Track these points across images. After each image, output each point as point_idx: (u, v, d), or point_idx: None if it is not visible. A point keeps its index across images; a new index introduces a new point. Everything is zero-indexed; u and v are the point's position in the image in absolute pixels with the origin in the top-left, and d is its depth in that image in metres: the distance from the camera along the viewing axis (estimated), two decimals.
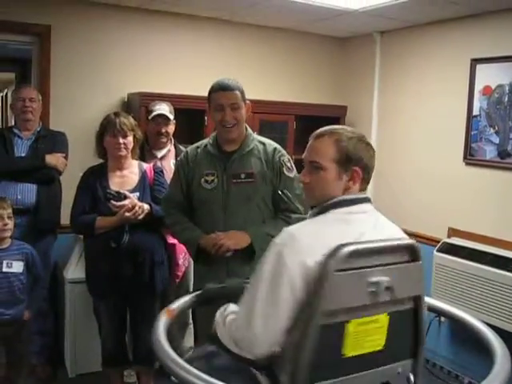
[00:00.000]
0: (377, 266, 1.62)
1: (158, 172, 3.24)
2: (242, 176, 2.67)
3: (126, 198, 2.98)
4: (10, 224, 3.19)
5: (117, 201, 2.96)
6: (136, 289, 3.07)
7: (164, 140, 3.64)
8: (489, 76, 3.87)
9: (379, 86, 4.87)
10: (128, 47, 4.30)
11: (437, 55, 4.31)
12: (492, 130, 3.87)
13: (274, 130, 4.58)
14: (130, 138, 3.10)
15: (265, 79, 4.81)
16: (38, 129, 3.71)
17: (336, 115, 4.75)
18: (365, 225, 1.73)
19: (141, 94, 4.03)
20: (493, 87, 3.84)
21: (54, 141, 3.68)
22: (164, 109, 3.63)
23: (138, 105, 4.00)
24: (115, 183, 3.10)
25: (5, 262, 3.16)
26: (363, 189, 1.83)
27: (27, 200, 3.48)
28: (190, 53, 4.52)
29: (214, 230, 2.63)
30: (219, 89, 2.66)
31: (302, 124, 4.62)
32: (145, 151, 3.62)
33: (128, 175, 3.15)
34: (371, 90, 4.89)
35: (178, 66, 4.45)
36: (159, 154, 3.66)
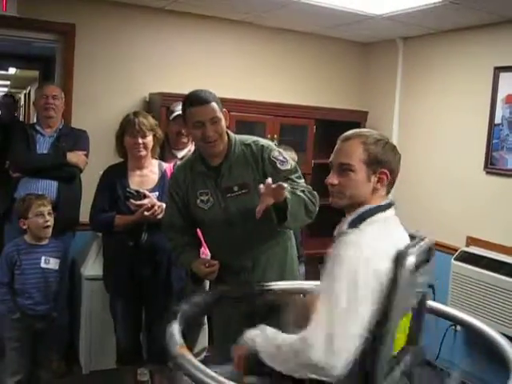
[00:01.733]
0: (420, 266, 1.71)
1: None
2: (235, 189, 2.53)
3: (145, 197, 2.99)
4: (51, 220, 3.25)
5: (136, 200, 2.97)
6: (152, 288, 3.08)
7: (185, 140, 3.65)
8: None
9: (401, 92, 4.84)
10: (150, 47, 4.33)
11: (459, 63, 4.28)
12: None
13: (294, 134, 4.59)
14: (150, 138, 3.10)
15: (285, 82, 4.82)
16: (60, 126, 3.75)
17: (357, 120, 4.74)
18: (398, 228, 1.83)
19: (162, 94, 4.05)
20: None
21: (76, 139, 3.72)
22: None
23: (159, 105, 4.03)
24: (135, 182, 3.11)
25: (43, 258, 3.23)
26: (388, 191, 1.86)
27: (49, 196, 3.51)
28: (212, 54, 4.54)
29: (222, 244, 2.59)
30: (196, 103, 2.47)
31: (322, 128, 4.62)
32: (165, 151, 3.63)
33: (148, 174, 3.16)
34: (393, 95, 4.88)
35: (199, 67, 4.46)
36: (179, 154, 3.67)
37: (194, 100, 2.48)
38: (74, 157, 3.62)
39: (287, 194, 2.29)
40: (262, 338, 1.73)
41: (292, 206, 2.32)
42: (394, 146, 1.86)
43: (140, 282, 3.04)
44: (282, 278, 2.58)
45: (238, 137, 2.63)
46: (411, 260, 1.60)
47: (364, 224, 1.75)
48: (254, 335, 1.75)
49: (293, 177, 2.54)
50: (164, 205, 2.98)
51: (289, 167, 2.55)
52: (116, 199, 3.06)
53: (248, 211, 2.46)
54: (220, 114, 2.49)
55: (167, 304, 3.11)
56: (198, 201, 2.58)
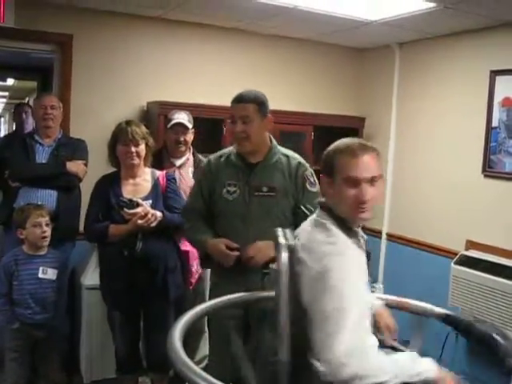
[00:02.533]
0: None
1: (171, 179, 3.25)
2: (264, 189, 2.66)
3: (138, 205, 2.98)
4: (48, 231, 3.27)
5: (129, 208, 2.97)
6: (149, 296, 3.08)
7: (182, 149, 3.67)
8: (508, 87, 3.85)
9: (398, 97, 4.86)
10: (147, 56, 4.36)
11: (456, 67, 4.30)
12: (511, 142, 3.84)
13: (292, 140, 4.58)
14: (142, 146, 3.10)
15: (283, 89, 4.83)
16: (59, 136, 3.76)
17: (354, 126, 4.75)
18: None
19: (160, 102, 4.06)
20: None
21: (75, 148, 3.73)
22: (183, 118, 3.66)
23: (156, 113, 4.04)
24: (128, 191, 3.11)
25: (41, 269, 3.25)
26: None
27: (47, 206, 3.51)
28: (208, 62, 4.56)
29: (234, 240, 2.63)
30: (234, 100, 2.66)
31: (320, 134, 4.62)
32: (164, 159, 3.64)
33: (141, 183, 3.16)
34: (390, 101, 4.89)
35: (196, 76, 4.49)
36: (178, 163, 3.68)
37: (236, 97, 2.67)
38: (74, 166, 3.62)
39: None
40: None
41: None
42: None
43: (137, 291, 3.04)
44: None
45: (280, 147, 2.80)
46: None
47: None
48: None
49: (312, 206, 2.56)
50: (158, 213, 3.02)
51: (315, 190, 2.68)
52: (109, 209, 3.06)
53: (267, 213, 2.63)
54: (254, 115, 2.62)
55: (165, 311, 3.12)
56: (224, 190, 2.69)
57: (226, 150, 2.84)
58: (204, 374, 1.58)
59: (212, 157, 2.84)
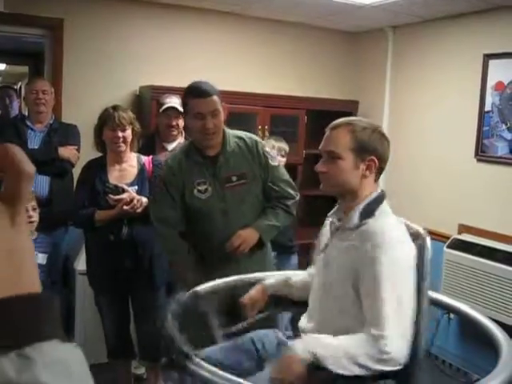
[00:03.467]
0: None
1: (157, 164, 3.21)
2: (234, 179, 2.63)
3: (124, 191, 2.98)
4: (35, 216, 3.23)
5: (115, 194, 2.97)
6: (136, 281, 3.09)
7: (175, 133, 3.65)
8: (501, 71, 3.84)
9: (391, 81, 4.85)
10: (139, 40, 4.32)
11: (449, 50, 4.29)
12: (504, 126, 3.85)
13: (285, 125, 4.59)
14: (129, 132, 3.09)
15: (276, 74, 4.81)
16: (51, 121, 3.74)
17: (347, 110, 4.74)
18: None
19: (152, 87, 4.04)
20: (505, 83, 3.82)
21: (67, 133, 3.71)
22: (175, 102, 3.64)
23: (149, 98, 4.02)
24: (114, 177, 3.10)
25: None
26: (377, 178, 1.92)
27: (40, 192, 3.51)
28: (201, 46, 4.53)
29: (214, 235, 2.63)
30: (198, 95, 2.55)
31: (313, 118, 4.62)
32: (156, 144, 3.63)
33: (127, 168, 3.15)
34: (383, 84, 4.88)
35: (189, 60, 4.45)
36: (170, 147, 3.66)
37: (198, 92, 2.56)
38: (66, 151, 3.61)
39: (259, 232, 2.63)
40: (321, 346, 1.70)
41: (266, 237, 2.68)
42: (383, 134, 1.91)
43: (123, 277, 3.04)
44: (264, 268, 2.65)
45: (229, 130, 2.73)
46: (429, 240, 1.82)
47: (377, 214, 1.85)
48: (307, 347, 1.69)
49: (278, 180, 2.71)
50: (144, 199, 3.00)
51: (276, 163, 2.72)
52: (96, 194, 3.05)
53: (244, 201, 2.64)
54: (220, 108, 2.57)
55: (152, 297, 3.12)
56: (196, 190, 2.63)
57: (178, 150, 2.78)
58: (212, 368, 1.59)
59: (169, 160, 2.75)
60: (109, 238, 2.99)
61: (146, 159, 3.22)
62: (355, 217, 1.85)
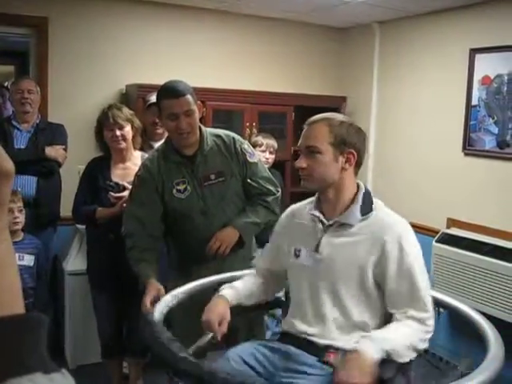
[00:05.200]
0: None
1: None
2: (212, 177, 2.61)
3: (124, 189, 2.99)
4: (21, 217, 3.21)
5: (116, 192, 2.98)
6: (133, 280, 3.07)
7: (160, 131, 3.59)
8: (488, 66, 3.86)
9: (378, 77, 4.85)
10: (125, 39, 4.29)
11: (436, 45, 4.30)
12: (491, 120, 3.87)
13: (273, 121, 4.59)
14: (128, 129, 3.08)
15: (263, 70, 4.80)
16: (37, 121, 3.71)
17: (335, 106, 4.74)
18: None
19: (138, 85, 4.02)
20: (492, 77, 3.84)
21: (54, 133, 3.69)
22: None
23: (135, 96, 4.00)
24: (117, 175, 3.11)
25: (17, 255, 3.18)
26: (356, 172, 1.97)
27: (27, 192, 3.49)
28: (188, 43, 4.51)
29: (195, 234, 2.61)
30: (171, 96, 2.49)
31: (301, 115, 4.60)
32: (144, 142, 3.61)
33: (130, 167, 3.14)
34: (370, 80, 4.88)
35: (175, 57, 4.43)
36: (156, 145, 3.64)
37: (170, 92, 2.51)
38: (53, 151, 3.59)
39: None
40: (387, 342, 1.71)
41: (246, 235, 2.66)
42: (359, 128, 1.97)
43: (121, 275, 3.03)
44: (249, 265, 2.66)
45: (207, 129, 2.73)
46: None
47: (379, 205, 1.96)
48: (379, 346, 1.68)
49: (257, 177, 2.70)
50: None
51: (256, 160, 2.71)
52: (98, 192, 3.07)
53: (223, 199, 2.62)
54: (194, 107, 2.53)
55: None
56: (175, 190, 2.60)
57: (155, 151, 2.74)
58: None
59: (147, 161, 2.70)
60: (109, 236, 3.00)
61: None
62: (356, 211, 1.89)
